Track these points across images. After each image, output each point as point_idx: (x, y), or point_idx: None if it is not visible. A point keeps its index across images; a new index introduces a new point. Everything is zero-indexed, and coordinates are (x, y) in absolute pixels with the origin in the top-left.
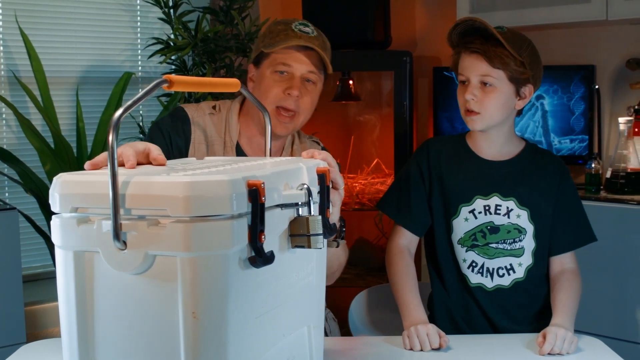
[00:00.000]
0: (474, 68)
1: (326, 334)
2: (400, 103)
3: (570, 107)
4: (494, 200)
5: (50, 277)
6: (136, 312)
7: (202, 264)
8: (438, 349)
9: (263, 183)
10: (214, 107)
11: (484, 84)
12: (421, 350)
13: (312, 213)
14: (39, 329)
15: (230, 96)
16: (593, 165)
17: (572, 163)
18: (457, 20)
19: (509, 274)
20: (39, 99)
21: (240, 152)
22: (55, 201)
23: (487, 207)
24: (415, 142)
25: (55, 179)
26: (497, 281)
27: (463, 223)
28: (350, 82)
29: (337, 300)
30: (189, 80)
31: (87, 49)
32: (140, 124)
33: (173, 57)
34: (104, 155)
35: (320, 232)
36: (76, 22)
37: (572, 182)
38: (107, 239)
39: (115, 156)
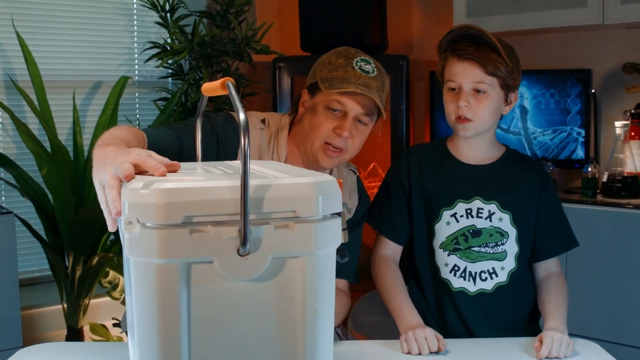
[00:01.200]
0: (468, 75)
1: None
2: (396, 107)
3: (566, 110)
4: (476, 204)
5: (47, 281)
6: (249, 319)
7: (322, 262)
8: (437, 353)
9: None
10: (263, 121)
11: (476, 91)
12: (419, 354)
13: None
14: (35, 333)
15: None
16: (589, 169)
17: (568, 167)
18: (453, 27)
19: (491, 278)
20: (36, 103)
21: None
22: (150, 211)
23: (469, 211)
24: None
25: (141, 188)
26: (480, 285)
27: (445, 227)
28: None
29: None
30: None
31: (83, 53)
32: (137, 127)
33: (170, 61)
34: (131, 160)
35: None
36: (73, 26)
37: (553, 188)
38: (227, 247)
39: (248, 160)
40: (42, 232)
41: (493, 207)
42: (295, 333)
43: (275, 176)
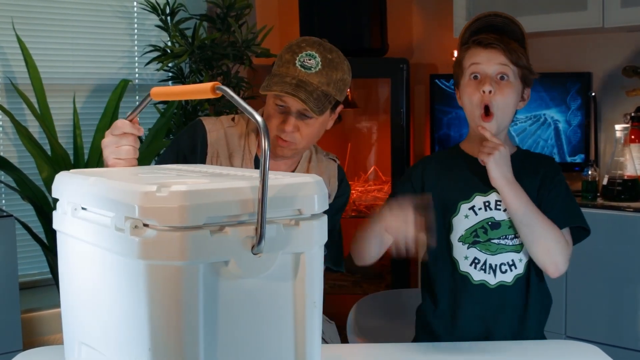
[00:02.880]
0: (492, 59)
1: (324, 340)
2: (397, 110)
3: (566, 114)
4: (493, 196)
5: (47, 284)
6: (258, 314)
7: (318, 256)
8: None
9: None
10: (232, 120)
11: (500, 78)
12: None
13: None
14: (35, 336)
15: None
16: (590, 172)
17: (568, 170)
18: (478, 15)
19: (511, 270)
20: (36, 106)
21: (258, 164)
22: (171, 214)
23: (486, 203)
24: (412, 149)
25: (157, 191)
26: (500, 277)
27: (463, 220)
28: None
29: (334, 308)
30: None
31: (84, 56)
32: None
33: (170, 65)
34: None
35: None
36: (73, 29)
37: (561, 176)
38: (242, 246)
39: (267, 163)
40: (42, 235)
41: None
42: (297, 325)
43: (276, 177)
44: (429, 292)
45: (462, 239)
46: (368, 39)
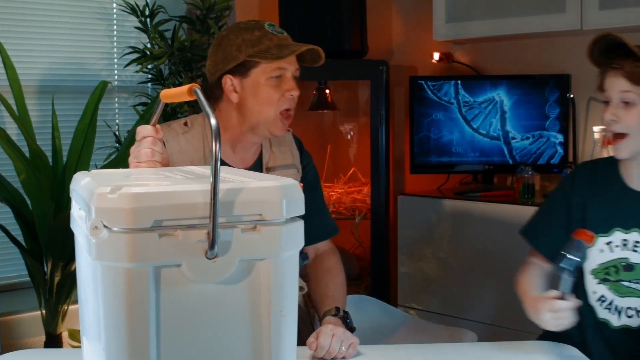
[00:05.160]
0: (615, 85)
1: None
2: (376, 112)
3: (545, 115)
4: (634, 236)
5: (26, 287)
6: (217, 320)
7: (287, 264)
8: None
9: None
10: (185, 124)
11: (625, 103)
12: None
13: None
14: (14, 339)
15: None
16: (568, 174)
17: (547, 172)
18: (595, 37)
19: (638, 316)
20: (14, 107)
21: (223, 162)
22: (120, 215)
23: (625, 242)
24: (392, 151)
25: (109, 193)
26: (625, 321)
27: (598, 254)
28: (327, 91)
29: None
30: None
31: (63, 57)
32: (117, 132)
33: (149, 66)
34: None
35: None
36: (52, 31)
37: None
38: (195, 250)
39: (219, 166)
40: (20, 238)
41: None
42: (262, 334)
43: (241, 180)
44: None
45: (594, 273)
46: (348, 41)
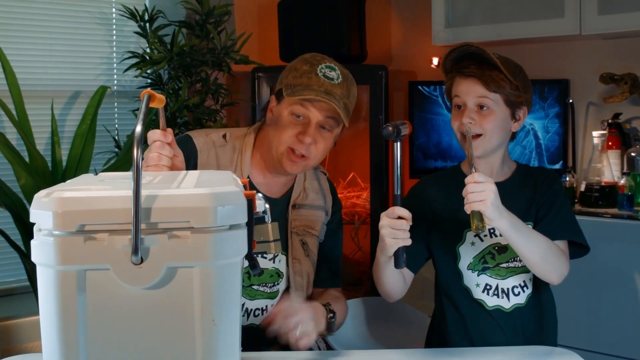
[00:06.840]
0: (471, 91)
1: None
2: (375, 117)
3: (544, 121)
4: None
5: (25, 292)
6: (147, 326)
7: (221, 272)
8: None
9: (256, 194)
10: (224, 137)
11: (480, 107)
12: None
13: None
14: (13, 344)
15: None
16: (567, 179)
17: None
18: (453, 46)
19: (523, 291)
20: (14, 112)
21: (252, 186)
22: (49, 219)
23: (491, 230)
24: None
25: (43, 197)
26: (514, 300)
27: (470, 248)
28: None
29: None
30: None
31: (62, 62)
32: (116, 137)
33: (149, 71)
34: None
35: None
36: (51, 36)
37: (559, 188)
38: (121, 255)
39: (140, 171)
40: (19, 243)
41: None
42: (194, 343)
43: (178, 187)
44: (443, 319)
45: (470, 267)
46: (347, 46)
